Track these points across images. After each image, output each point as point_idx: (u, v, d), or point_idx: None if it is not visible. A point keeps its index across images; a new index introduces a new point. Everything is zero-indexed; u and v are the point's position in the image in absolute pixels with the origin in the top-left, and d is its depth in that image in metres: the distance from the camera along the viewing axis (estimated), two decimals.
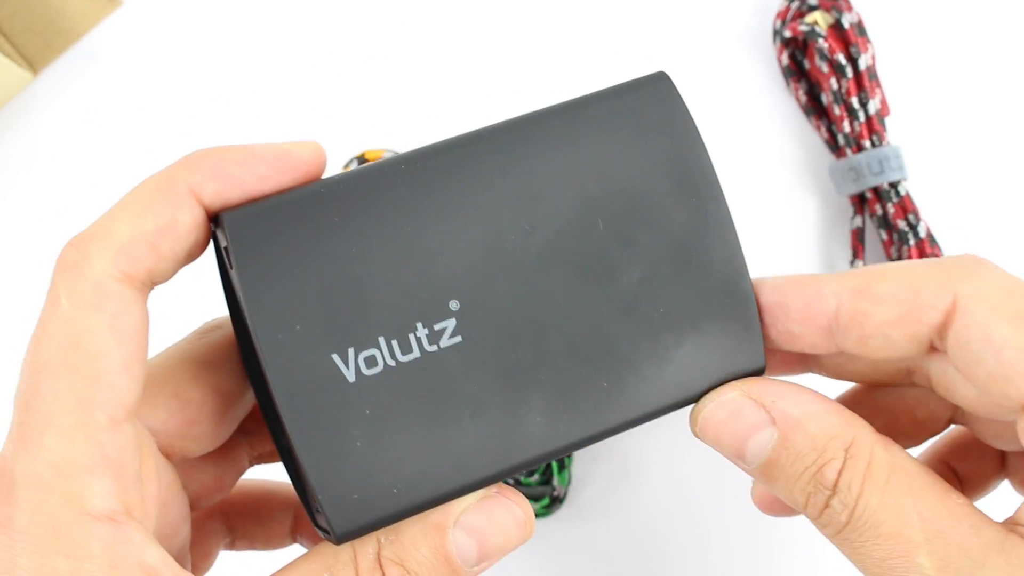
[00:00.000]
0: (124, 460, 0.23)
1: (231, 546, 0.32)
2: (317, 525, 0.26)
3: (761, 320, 0.27)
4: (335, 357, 0.24)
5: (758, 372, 0.27)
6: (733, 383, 0.27)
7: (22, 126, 0.48)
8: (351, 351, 0.24)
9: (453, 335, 0.25)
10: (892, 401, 0.30)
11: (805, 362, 0.30)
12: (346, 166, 0.46)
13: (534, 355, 0.25)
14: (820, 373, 0.30)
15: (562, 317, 0.25)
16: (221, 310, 0.28)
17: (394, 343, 0.25)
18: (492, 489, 0.26)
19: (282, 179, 0.25)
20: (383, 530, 0.25)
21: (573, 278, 0.26)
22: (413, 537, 0.25)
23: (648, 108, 0.27)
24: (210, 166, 0.24)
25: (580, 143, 0.26)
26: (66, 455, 0.23)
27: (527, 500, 0.26)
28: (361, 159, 0.46)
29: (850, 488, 0.25)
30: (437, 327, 0.25)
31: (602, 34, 0.50)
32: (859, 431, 0.26)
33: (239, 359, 0.28)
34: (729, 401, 0.26)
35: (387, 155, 0.46)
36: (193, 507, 0.29)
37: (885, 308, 0.26)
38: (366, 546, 0.25)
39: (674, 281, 0.26)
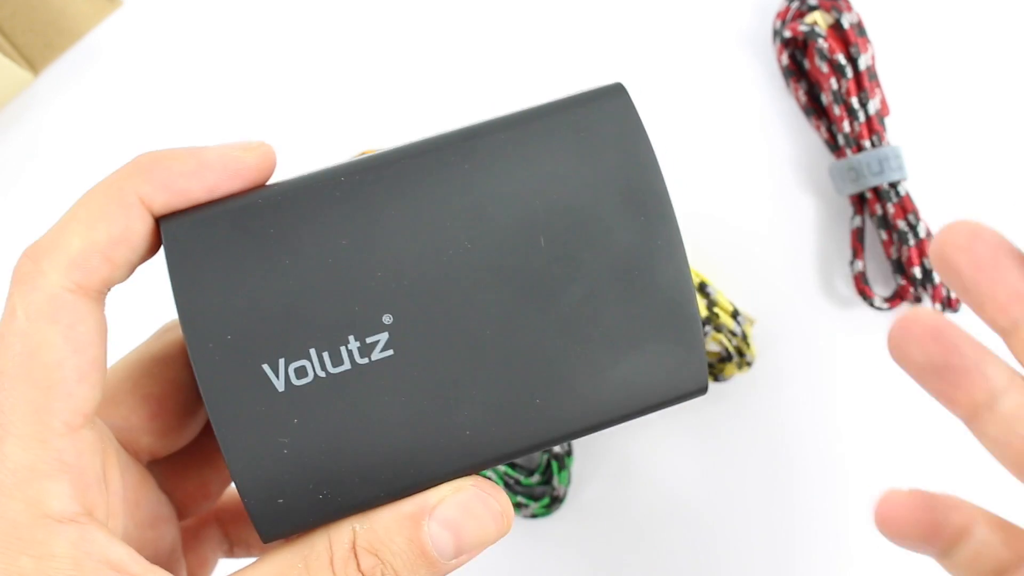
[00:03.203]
0: (83, 464, 0.24)
1: (230, 553, 0.33)
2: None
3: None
4: (265, 367, 0.25)
5: (700, 392, 0.27)
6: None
7: (22, 126, 0.48)
8: (281, 361, 0.25)
9: (385, 349, 0.25)
10: None
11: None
12: None
13: (466, 371, 0.25)
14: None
15: (497, 334, 0.26)
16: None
17: (325, 355, 0.25)
18: (468, 480, 0.26)
19: (230, 186, 0.26)
20: (357, 519, 0.25)
21: (511, 295, 0.26)
22: (388, 527, 0.25)
23: (601, 122, 0.26)
24: (159, 178, 0.25)
25: (527, 157, 0.26)
26: (24, 462, 0.23)
27: (504, 492, 0.26)
28: None
29: None
30: (369, 340, 0.25)
31: (602, 33, 0.50)
32: None
33: None
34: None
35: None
36: (183, 514, 0.30)
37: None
38: (341, 536, 0.25)
39: (616, 301, 0.26)
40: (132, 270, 0.26)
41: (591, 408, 0.26)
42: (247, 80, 0.49)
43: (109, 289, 0.25)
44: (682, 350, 0.26)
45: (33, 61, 0.48)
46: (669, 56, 0.49)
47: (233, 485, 0.32)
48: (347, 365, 0.25)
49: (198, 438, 0.30)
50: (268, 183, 0.26)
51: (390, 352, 0.25)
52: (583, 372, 0.26)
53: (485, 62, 0.49)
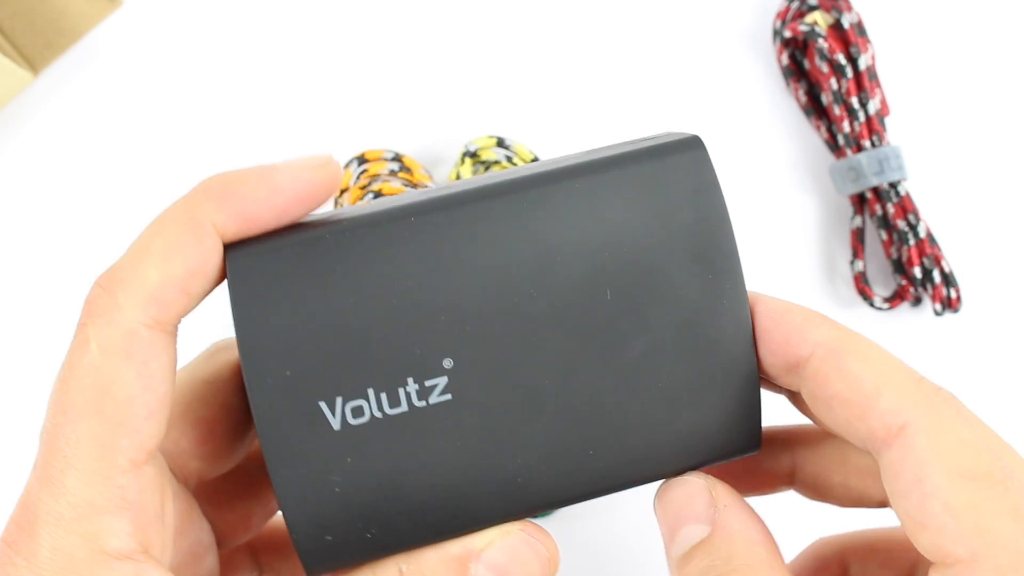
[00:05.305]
0: (144, 500, 0.24)
1: None
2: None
3: None
4: (322, 404, 0.24)
5: (752, 451, 0.27)
6: (698, 475, 0.26)
7: (22, 126, 0.48)
8: (339, 400, 0.25)
9: (443, 393, 0.25)
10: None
11: (778, 483, 0.31)
12: (346, 166, 0.46)
13: (523, 419, 0.25)
14: (800, 492, 0.30)
15: (556, 383, 0.25)
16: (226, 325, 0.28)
17: (383, 396, 0.25)
18: (516, 525, 0.26)
19: (300, 210, 0.25)
20: (404, 559, 0.25)
21: (573, 345, 0.25)
22: (434, 569, 0.25)
23: (676, 175, 0.26)
24: (232, 206, 0.24)
25: (598, 207, 0.25)
26: (86, 497, 0.23)
27: (551, 537, 0.26)
28: (361, 159, 0.46)
29: None
30: (428, 383, 0.25)
31: (602, 33, 0.50)
32: None
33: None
34: (691, 485, 0.26)
35: (389, 156, 0.46)
36: (222, 543, 0.29)
37: (844, 386, 0.25)
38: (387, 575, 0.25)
39: (677, 357, 0.26)
40: (203, 299, 0.25)
41: (642, 462, 0.26)
42: (247, 80, 0.49)
43: (181, 319, 0.25)
44: (738, 409, 0.26)
45: (33, 61, 0.48)
46: (669, 56, 0.49)
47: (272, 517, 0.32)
48: (404, 407, 0.25)
49: (245, 468, 0.30)
50: (338, 215, 0.26)
51: (448, 396, 0.25)
52: (638, 426, 0.26)
53: (485, 63, 0.49)
